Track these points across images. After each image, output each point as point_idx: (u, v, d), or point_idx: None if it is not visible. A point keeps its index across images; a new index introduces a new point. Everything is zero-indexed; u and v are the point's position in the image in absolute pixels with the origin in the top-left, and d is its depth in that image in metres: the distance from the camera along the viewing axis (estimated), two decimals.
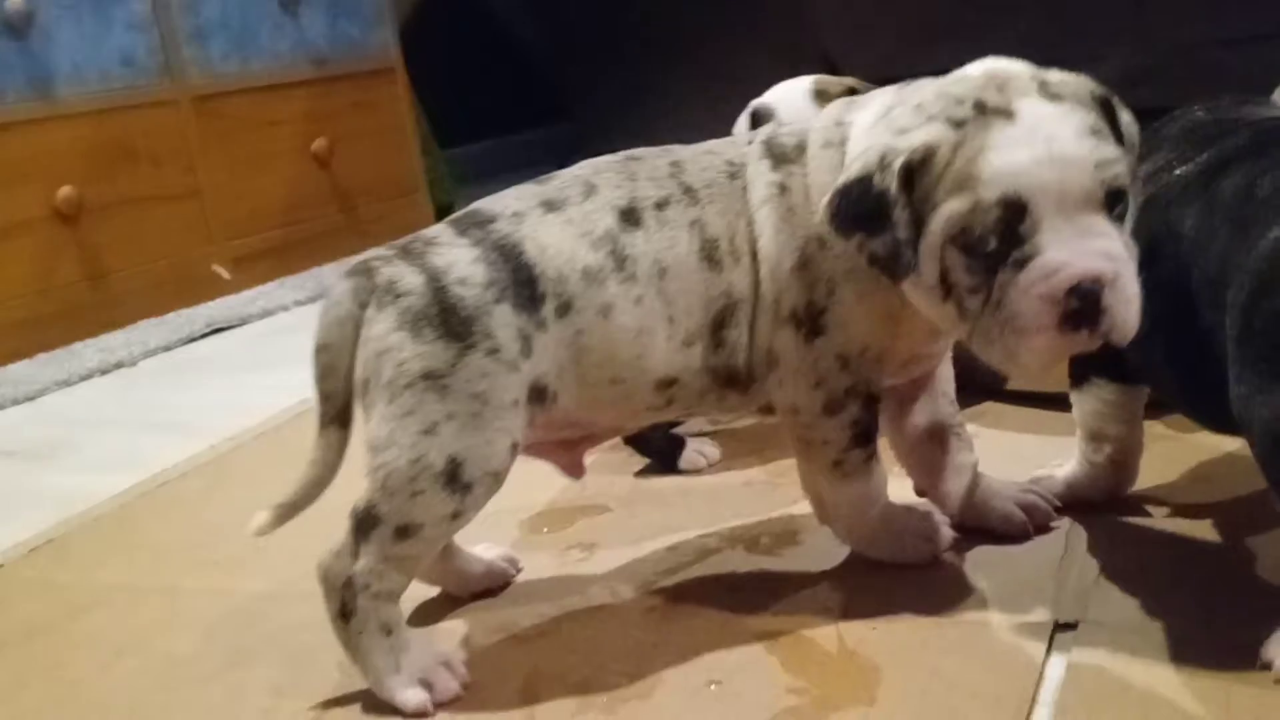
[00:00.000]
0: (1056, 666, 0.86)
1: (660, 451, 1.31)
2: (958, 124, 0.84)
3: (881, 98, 0.94)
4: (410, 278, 0.89)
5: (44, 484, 1.59)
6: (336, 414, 0.92)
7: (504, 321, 0.89)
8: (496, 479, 0.90)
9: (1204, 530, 1.01)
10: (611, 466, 1.33)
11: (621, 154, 0.99)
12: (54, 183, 2.33)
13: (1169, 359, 0.90)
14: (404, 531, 0.89)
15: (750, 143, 0.99)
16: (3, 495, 1.56)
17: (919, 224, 0.85)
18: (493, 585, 1.08)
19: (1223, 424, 0.85)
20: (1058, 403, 1.14)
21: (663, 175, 0.96)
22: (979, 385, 1.38)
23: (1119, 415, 1.02)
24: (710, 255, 0.94)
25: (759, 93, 1.40)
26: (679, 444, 1.31)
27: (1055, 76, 0.86)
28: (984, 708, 0.81)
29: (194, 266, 2.62)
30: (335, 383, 0.91)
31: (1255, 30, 2.65)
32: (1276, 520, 0.98)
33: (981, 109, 0.84)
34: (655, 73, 2.85)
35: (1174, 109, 1.03)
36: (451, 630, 1.02)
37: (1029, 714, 0.81)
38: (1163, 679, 0.82)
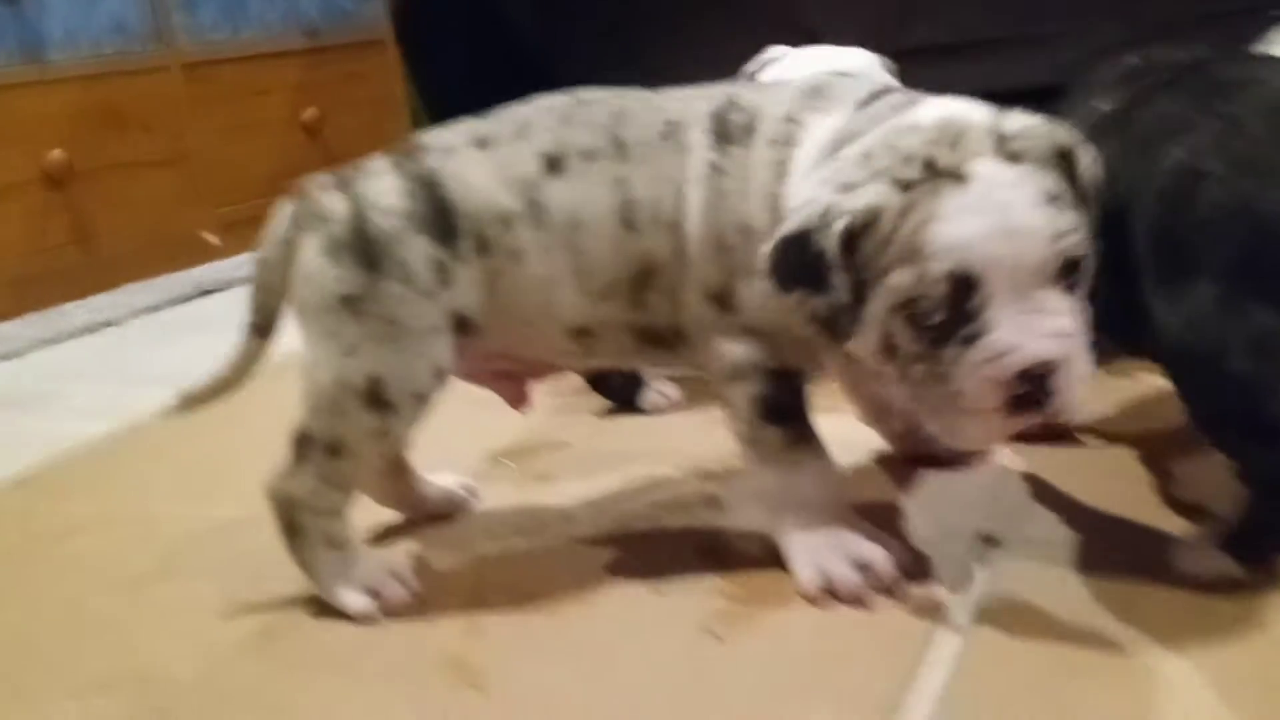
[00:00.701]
0: (982, 575, 0.89)
1: (621, 392, 1.35)
2: (905, 186, 0.78)
3: (839, 109, 0.88)
4: (337, 205, 0.93)
5: (30, 430, 1.62)
6: (260, 324, 0.97)
7: (419, 251, 0.91)
8: (420, 400, 0.93)
9: (1132, 458, 1.04)
10: (575, 407, 1.37)
11: (573, 95, 0.98)
12: (44, 146, 2.36)
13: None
14: (334, 449, 0.93)
15: (705, 105, 0.93)
16: None
17: (861, 289, 0.80)
18: (450, 511, 1.12)
19: (1140, 347, 0.88)
20: None
21: (600, 124, 0.94)
22: None
23: None
24: (628, 217, 0.91)
25: (737, 65, 1.39)
26: (640, 385, 1.34)
27: (1016, 125, 0.80)
28: (904, 610, 0.85)
29: (183, 232, 2.65)
30: (265, 297, 0.96)
31: (1232, 6, 2.68)
32: (1200, 445, 1.02)
33: (932, 170, 0.78)
34: (639, 47, 2.88)
35: None
36: (407, 548, 1.06)
37: (949, 615, 0.85)
38: (1078, 586, 0.86)
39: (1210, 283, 0.78)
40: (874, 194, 0.78)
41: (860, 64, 1.29)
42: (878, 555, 0.89)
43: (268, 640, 0.93)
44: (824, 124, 0.87)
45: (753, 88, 0.96)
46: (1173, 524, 0.90)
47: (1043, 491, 1.01)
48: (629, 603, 0.92)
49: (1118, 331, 0.87)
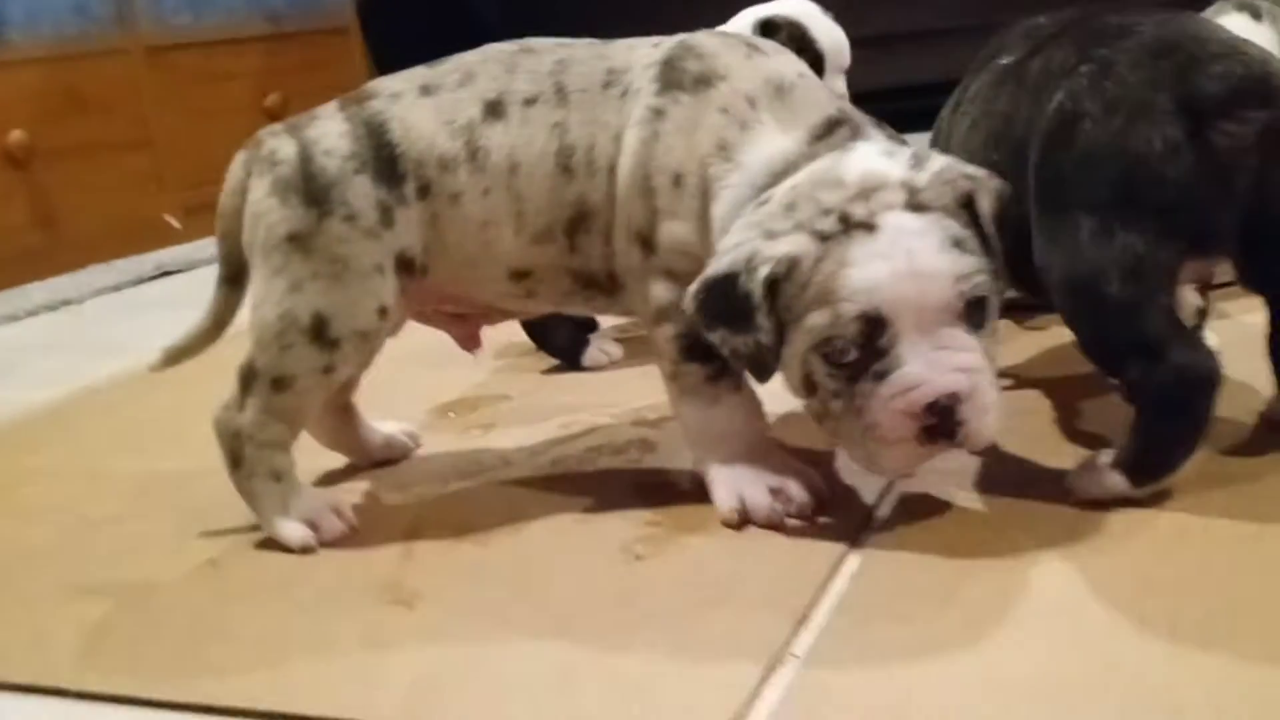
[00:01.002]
0: (892, 498, 0.95)
1: (564, 349, 1.39)
2: (822, 237, 0.83)
3: (795, 131, 0.90)
4: (286, 148, 0.96)
5: None
6: (230, 275, 1.00)
7: (362, 192, 0.94)
8: (364, 338, 0.96)
9: (1042, 399, 1.09)
10: (519, 365, 1.41)
11: (519, 43, 1.01)
12: (5, 127, 2.38)
13: None
14: (280, 384, 0.96)
15: (655, 53, 0.96)
16: None
17: (781, 330, 0.85)
18: (392, 456, 1.15)
19: (1038, 289, 0.93)
20: None
21: (543, 72, 0.97)
22: None
23: None
24: (564, 162, 0.94)
25: None
26: (583, 342, 1.38)
27: (926, 176, 0.85)
28: (816, 532, 0.90)
29: (145, 215, 2.67)
30: (229, 246, 0.99)
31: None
32: (1104, 386, 1.07)
33: (845, 222, 0.83)
34: (606, 29, 2.92)
35: None
36: (349, 487, 1.10)
37: (867, 521, 0.91)
38: (982, 506, 0.91)
39: (1087, 215, 0.83)
40: (793, 243, 0.84)
41: (800, 9, 1.38)
42: (793, 483, 0.93)
43: (213, 570, 0.97)
44: (776, 142, 0.90)
45: (713, 38, 0.98)
46: (1077, 455, 0.94)
47: None
48: (558, 531, 0.96)
49: (1022, 273, 0.92)
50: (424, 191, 0.96)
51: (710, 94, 0.93)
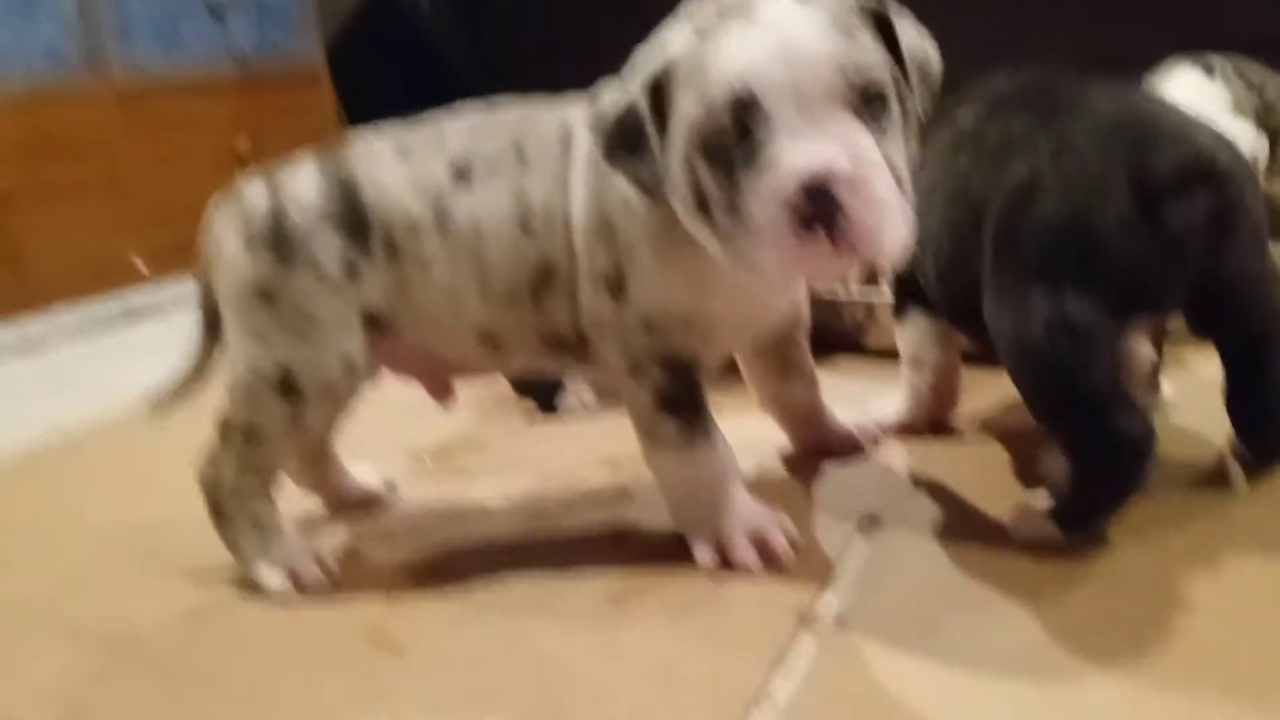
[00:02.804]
0: (861, 544, 0.98)
1: (541, 396, 1.41)
2: (700, 33, 0.82)
3: None
4: (260, 200, 0.98)
5: None
6: (209, 320, 1.03)
7: (329, 246, 0.96)
8: (330, 389, 0.98)
9: (1000, 448, 1.13)
10: (497, 411, 1.43)
11: (489, 104, 1.02)
12: None
13: (945, 286, 1.03)
14: (251, 435, 0.98)
15: (588, 103, 0.97)
16: None
17: (666, 138, 0.83)
18: (369, 501, 1.17)
19: (984, 340, 0.97)
20: None
21: (506, 134, 0.98)
22: (836, 342, 1.50)
23: (935, 341, 1.14)
24: (525, 223, 0.95)
25: None
26: (560, 389, 1.41)
27: None
28: (790, 576, 0.93)
29: (113, 257, 2.68)
30: (207, 292, 1.02)
31: (1138, 52, 2.83)
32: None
33: (724, 14, 0.82)
34: (575, 76, 2.97)
35: None
36: (330, 533, 1.11)
37: (835, 571, 0.93)
38: (938, 549, 0.95)
39: (1039, 281, 0.88)
40: (675, 44, 0.83)
41: None
42: (769, 530, 0.96)
43: (196, 619, 0.98)
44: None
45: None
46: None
47: (921, 478, 1.09)
48: (539, 579, 0.98)
49: (970, 324, 0.96)
50: (392, 254, 0.97)
51: None
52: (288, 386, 0.97)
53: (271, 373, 0.97)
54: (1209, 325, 0.94)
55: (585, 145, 0.94)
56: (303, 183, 0.99)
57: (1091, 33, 2.95)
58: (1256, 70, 1.79)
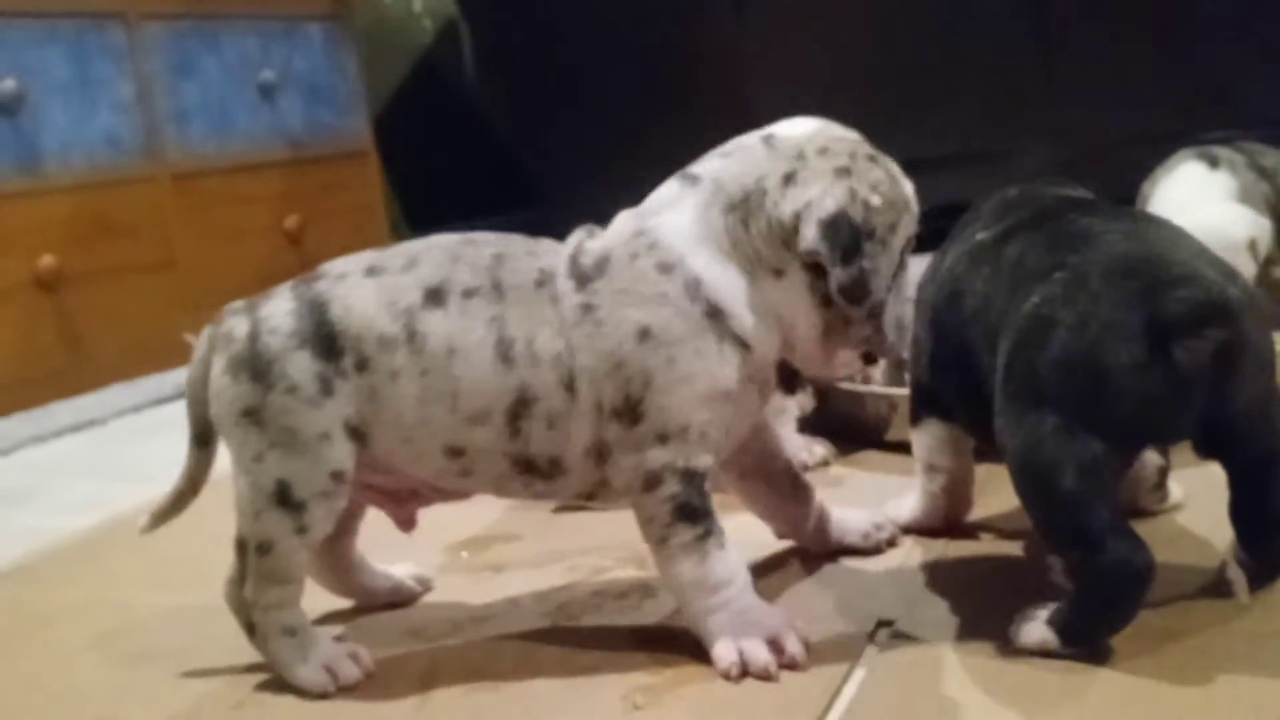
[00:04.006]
0: (874, 649, 1.02)
1: None
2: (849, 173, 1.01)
3: (677, 202, 1.03)
4: (240, 327, 1.04)
5: (16, 524, 1.72)
6: (199, 436, 1.09)
7: (301, 366, 1.01)
8: (326, 498, 1.03)
9: (1015, 549, 1.17)
10: (529, 504, 1.48)
11: (462, 235, 1.07)
12: (37, 253, 2.47)
13: (961, 396, 1.07)
14: (263, 549, 1.04)
15: (566, 251, 1.05)
16: None
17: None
18: (399, 600, 1.22)
19: (991, 444, 1.01)
20: None
21: (482, 266, 1.03)
22: (860, 436, 1.54)
23: (949, 449, 1.18)
24: (504, 352, 1.00)
25: None
26: None
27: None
28: (804, 679, 0.97)
29: (167, 335, 2.75)
30: (197, 410, 1.08)
31: (1165, 128, 2.87)
32: None
33: (871, 159, 1.03)
34: (613, 161, 3.05)
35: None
36: (363, 630, 1.16)
37: (847, 676, 0.98)
38: (953, 659, 0.98)
39: (1052, 413, 0.91)
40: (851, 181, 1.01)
41: None
42: (787, 633, 1.00)
43: (241, 711, 1.03)
44: (676, 214, 1.02)
45: (595, 232, 1.08)
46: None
47: (932, 581, 1.13)
48: (565, 678, 1.02)
49: (979, 429, 1.00)
50: (361, 366, 1.02)
51: (614, 267, 1.01)
52: (286, 499, 1.02)
53: (269, 488, 1.02)
54: (1215, 451, 0.97)
55: (572, 303, 1.01)
56: (276, 307, 1.04)
57: (1123, 110, 3.00)
58: (1274, 155, 1.82)
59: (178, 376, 2.61)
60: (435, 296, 1.02)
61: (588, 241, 1.05)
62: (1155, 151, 1.93)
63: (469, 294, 1.02)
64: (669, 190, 1.05)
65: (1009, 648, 0.96)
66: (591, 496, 1.07)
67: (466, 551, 1.36)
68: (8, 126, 2.47)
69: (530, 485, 1.06)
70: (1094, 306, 0.91)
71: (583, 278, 1.02)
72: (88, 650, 1.20)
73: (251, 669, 1.09)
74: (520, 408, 1.01)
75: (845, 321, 1.01)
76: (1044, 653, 0.94)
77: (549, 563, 1.29)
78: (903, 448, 1.48)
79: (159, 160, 2.79)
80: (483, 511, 1.36)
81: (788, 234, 0.99)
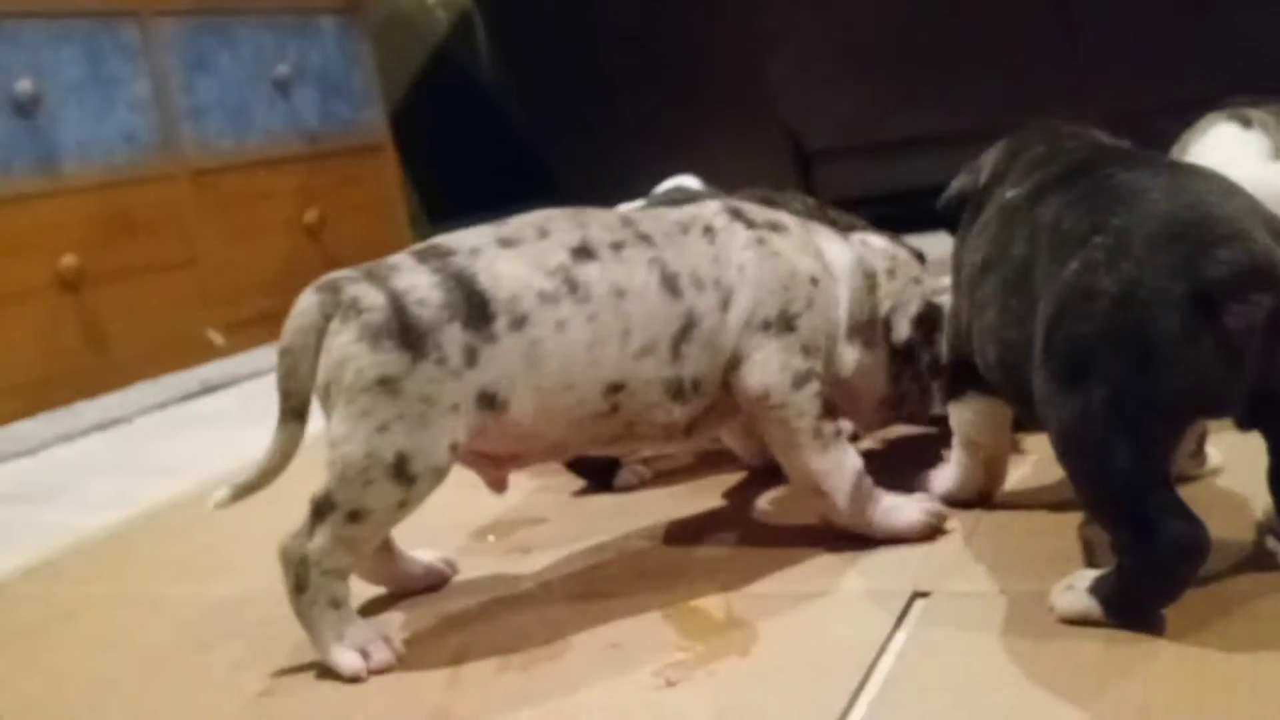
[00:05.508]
0: (910, 622, 1.00)
1: (597, 472, 1.45)
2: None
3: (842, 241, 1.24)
4: (372, 297, 1.03)
5: (44, 520, 1.73)
6: (294, 410, 1.06)
7: (453, 337, 1.02)
8: (438, 474, 1.03)
9: (1052, 520, 1.14)
10: (554, 487, 1.47)
11: (571, 209, 1.13)
12: (58, 252, 2.49)
13: (1001, 363, 1.03)
14: (355, 516, 1.02)
15: (701, 209, 1.18)
16: (6, 530, 1.72)
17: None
18: (432, 584, 1.21)
19: (1029, 413, 0.99)
20: None
21: (614, 225, 1.11)
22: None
23: (988, 424, 1.15)
24: (671, 285, 1.09)
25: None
26: (615, 465, 1.44)
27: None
28: (840, 652, 0.95)
29: (189, 332, 2.76)
30: (295, 383, 1.05)
31: (1191, 94, 2.82)
32: None
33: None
34: (631, 150, 3.03)
35: None
36: (393, 616, 1.15)
37: (882, 649, 0.96)
38: (990, 630, 0.96)
39: (1100, 385, 0.87)
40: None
41: (694, 183, 1.69)
42: (918, 503, 1.16)
43: (268, 701, 1.02)
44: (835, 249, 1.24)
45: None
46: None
47: (970, 549, 1.11)
48: (595, 657, 1.01)
49: (1031, 410, 0.97)
50: (519, 324, 1.04)
51: (792, 234, 1.18)
52: (401, 471, 1.01)
53: (389, 458, 1.01)
54: (1260, 422, 0.92)
55: (745, 236, 1.15)
56: (417, 279, 1.04)
57: (1147, 78, 2.96)
58: None
59: (202, 373, 2.63)
60: (584, 253, 1.08)
61: (747, 204, 1.21)
62: (1180, 120, 1.89)
63: (617, 246, 1.09)
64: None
65: (1048, 616, 0.94)
66: (690, 430, 1.15)
67: (493, 535, 1.35)
68: (26, 128, 2.48)
69: (668, 412, 1.11)
70: (1139, 273, 0.86)
71: (751, 224, 1.16)
72: (115, 642, 1.20)
73: (278, 659, 1.08)
74: (684, 333, 1.10)
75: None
76: (1085, 621, 0.92)
77: (575, 542, 1.28)
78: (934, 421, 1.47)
79: (177, 157, 2.79)
80: (505, 496, 1.34)
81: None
